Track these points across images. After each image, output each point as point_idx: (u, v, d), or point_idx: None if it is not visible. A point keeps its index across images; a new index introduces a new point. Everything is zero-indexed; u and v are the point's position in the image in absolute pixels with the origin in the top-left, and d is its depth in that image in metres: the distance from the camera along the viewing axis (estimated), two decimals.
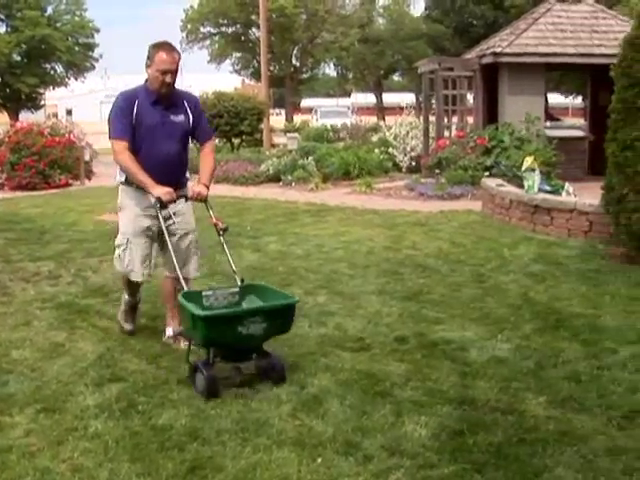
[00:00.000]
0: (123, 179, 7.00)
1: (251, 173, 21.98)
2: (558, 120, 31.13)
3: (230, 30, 67.98)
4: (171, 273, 6.99)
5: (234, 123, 27.88)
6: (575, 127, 25.21)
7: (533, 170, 13.39)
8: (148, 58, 6.74)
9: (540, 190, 13.14)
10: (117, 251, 7.11)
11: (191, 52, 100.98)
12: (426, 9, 61.32)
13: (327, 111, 53.63)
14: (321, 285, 9.28)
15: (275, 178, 21.74)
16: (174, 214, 6.91)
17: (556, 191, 13.69)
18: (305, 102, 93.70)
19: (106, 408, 5.64)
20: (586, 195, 12.86)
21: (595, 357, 6.63)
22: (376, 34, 67.75)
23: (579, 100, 53.34)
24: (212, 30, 68.39)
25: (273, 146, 30.75)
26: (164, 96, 6.79)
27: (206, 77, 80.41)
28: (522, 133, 18.71)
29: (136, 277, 7.13)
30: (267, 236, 12.60)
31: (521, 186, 13.82)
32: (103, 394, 5.94)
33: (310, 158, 22.57)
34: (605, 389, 5.88)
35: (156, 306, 8.45)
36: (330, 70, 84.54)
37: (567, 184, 14.16)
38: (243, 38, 67.70)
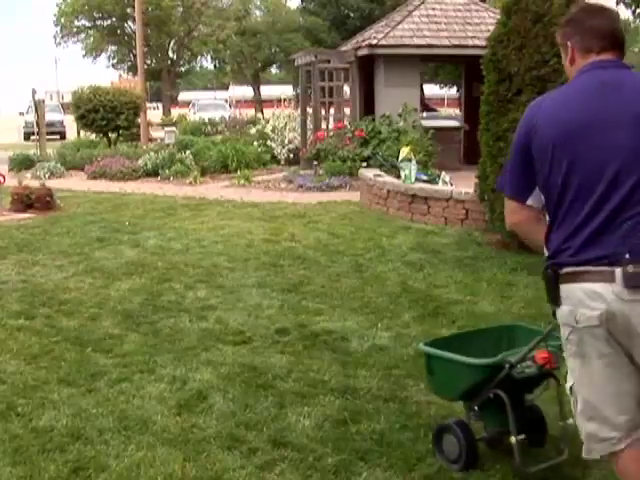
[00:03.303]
0: None
1: (129, 168, 21.69)
2: (434, 111, 31.57)
3: (105, 23, 66.94)
4: None
5: (110, 118, 27.44)
6: (450, 117, 25.70)
7: (409, 160, 13.61)
8: None
9: (417, 180, 13.36)
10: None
11: (66, 46, 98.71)
12: (302, 1, 61.49)
13: (205, 104, 53.27)
14: (201, 279, 9.25)
15: (153, 173, 21.51)
16: None
17: (433, 180, 13.93)
18: (183, 95, 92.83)
19: None
20: (462, 184, 13.11)
21: None
22: (253, 27, 67.52)
23: (454, 91, 54.18)
24: (87, 24, 67.22)
25: (150, 140, 30.39)
26: None
27: (81, 72, 79.05)
28: (399, 124, 18.94)
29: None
30: (146, 231, 12.47)
31: (399, 176, 14.02)
32: None
33: (188, 152, 22.41)
34: None
35: (34, 305, 8.30)
36: (208, 63, 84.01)
37: (443, 173, 14.41)
38: (119, 31, 66.74)
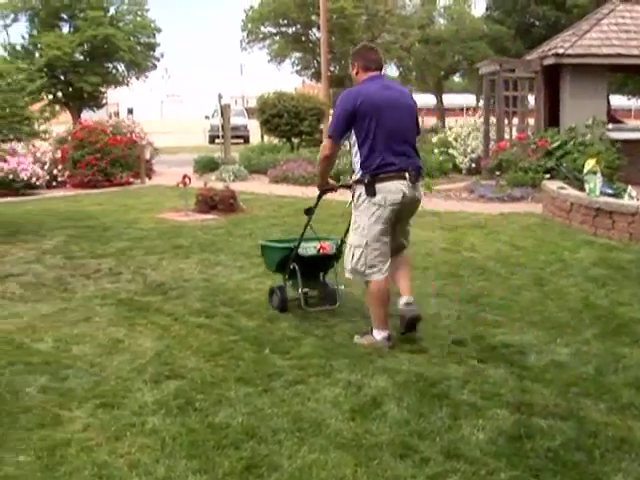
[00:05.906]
0: None
1: (311, 173, 21.93)
2: (621, 122, 30.67)
3: (290, 30, 68.00)
4: None
5: (294, 123, 27.93)
6: (639, 129, 24.87)
7: (595, 173, 13.25)
8: None
9: (602, 193, 13.00)
10: None
11: (251, 52, 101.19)
12: (487, 9, 60.73)
13: None
14: None
15: (335, 178, 21.67)
16: None
17: (618, 194, 13.53)
18: None
19: (164, 405, 5.68)
20: None
21: None
22: (437, 35, 67.15)
23: None
24: (272, 30, 68.45)
25: None
26: None
27: (265, 78, 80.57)
28: (587, 137, 18.50)
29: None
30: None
31: (582, 189, 13.68)
32: (161, 391, 5.98)
33: None
34: None
35: (215, 304, 8.51)
36: (391, 70, 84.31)
37: (630, 187, 13.98)
38: (303, 38, 67.67)
